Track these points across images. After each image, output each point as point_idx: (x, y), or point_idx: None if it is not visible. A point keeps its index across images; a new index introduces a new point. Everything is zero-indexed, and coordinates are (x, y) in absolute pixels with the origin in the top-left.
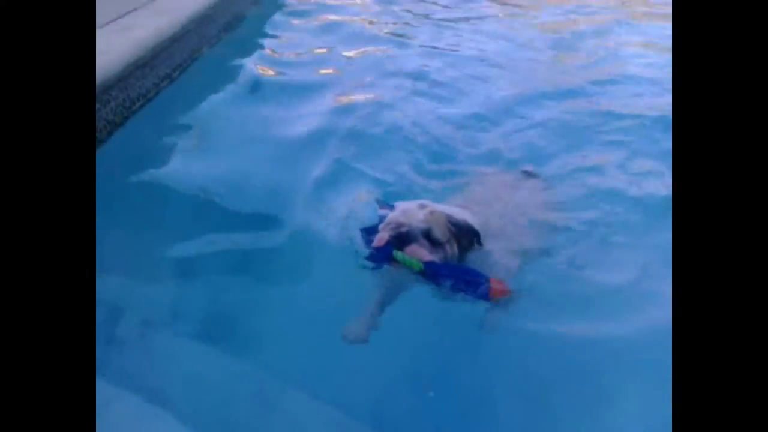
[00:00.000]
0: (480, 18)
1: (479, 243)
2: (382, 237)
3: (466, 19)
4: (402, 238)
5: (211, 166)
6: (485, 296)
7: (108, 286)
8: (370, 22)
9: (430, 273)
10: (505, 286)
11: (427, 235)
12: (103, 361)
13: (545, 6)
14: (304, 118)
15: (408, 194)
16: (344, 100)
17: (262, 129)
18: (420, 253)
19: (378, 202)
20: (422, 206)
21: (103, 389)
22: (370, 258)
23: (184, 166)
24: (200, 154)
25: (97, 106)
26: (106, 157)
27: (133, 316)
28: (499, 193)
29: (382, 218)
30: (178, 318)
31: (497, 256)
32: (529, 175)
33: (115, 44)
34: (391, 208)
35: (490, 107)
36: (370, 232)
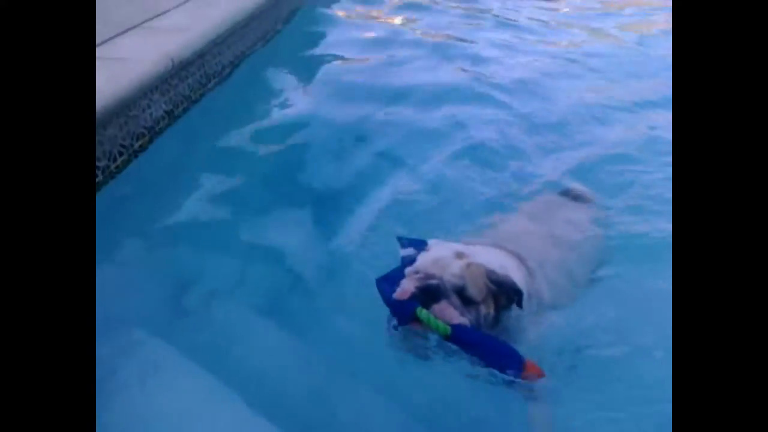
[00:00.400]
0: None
1: (519, 305)
2: (406, 289)
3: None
4: (430, 293)
5: (283, 141)
6: (516, 376)
7: (177, 257)
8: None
9: (458, 339)
10: (541, 370)
11: (461, 292)
12: (170, 333)
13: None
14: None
15: (438, 225)
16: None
17: (330, 108)
18: (449, 313)
19: (401, 241)
20: (459, 255)
21: (171, 362)
22: (391, 312)
23: (255, 142)
24: (272, 130)
25: (175, 82)
26: (180, 132)
27: (201, 288)
28: (549, 227)
29: (405, 261)
30: (245, 290)
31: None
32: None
33: (197, 21)
34: (419, 247)
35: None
36: (391, 281)
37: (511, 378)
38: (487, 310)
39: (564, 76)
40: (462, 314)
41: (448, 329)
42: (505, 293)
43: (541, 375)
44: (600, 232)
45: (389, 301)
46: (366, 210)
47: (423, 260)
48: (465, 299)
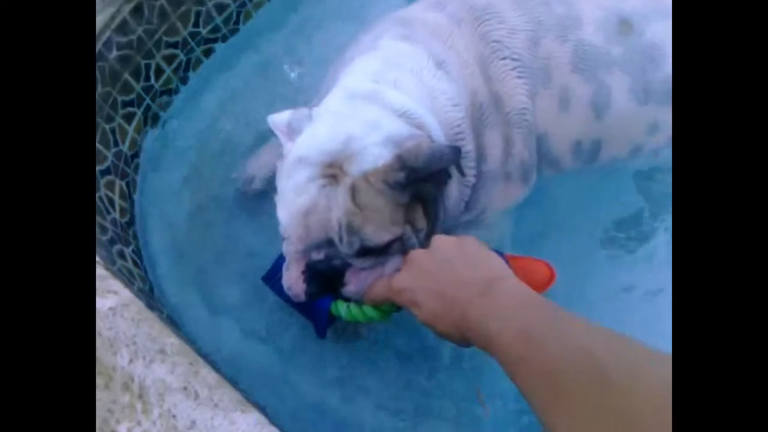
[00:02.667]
0: None
1: (461, 172)
2: (294, 287)
3: None
4: (326, 275)
5: None
6: None
7: None
8: None
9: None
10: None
11: (364, 249)
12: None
13: None
14: None
15: None
16: None
17: None
18: (370, 284)
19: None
20: (333, 166)
21: None
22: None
23: None
24: None
25: None
26: None
27: None
28: None
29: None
30: None
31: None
32: None
33: None
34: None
35: None
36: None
37: None
38: (414, 228)
39: None
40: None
41: (390, 307)
42: (429, 179)
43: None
44: None
45: (294, 305)
46: None
47: (289, 209)
48: (375, 251)
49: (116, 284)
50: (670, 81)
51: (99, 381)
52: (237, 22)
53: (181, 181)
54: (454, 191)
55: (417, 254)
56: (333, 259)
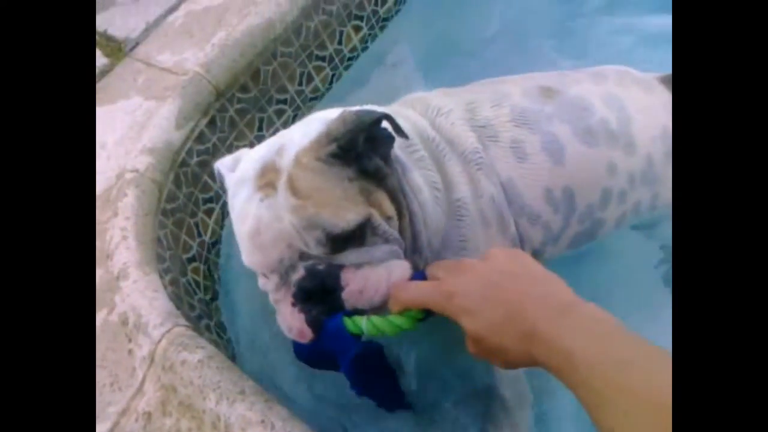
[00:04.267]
0: None
1: (399, 132)
2: (291, 324)
3: None
4: (316, 293)
5: None
6: None
7: None
8: None
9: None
10: None
11: (339, 242)
12: None
13: None
14: None
15: None
16: None
17: None
18: (366, 288)
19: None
20: (263, 175)
21: None
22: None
23: None
24: None
25: None
26: None
27: None
28: None
29: None
30: None
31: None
32: None
33: None
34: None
35: None
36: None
37: None
38: (383, 214)
39: None
40: (381, 262)
41: (418, 313)
42: (367, 150)
43: None
44: None
45: (305, 356)
46: None
47: (242, 242)
48: (350, 240)
49: (203, 341)
50: (607, 123)
51: (192, 424)
52: None
53: None
54: (427, 193)
55: (472, 261)
56: (316, 269)
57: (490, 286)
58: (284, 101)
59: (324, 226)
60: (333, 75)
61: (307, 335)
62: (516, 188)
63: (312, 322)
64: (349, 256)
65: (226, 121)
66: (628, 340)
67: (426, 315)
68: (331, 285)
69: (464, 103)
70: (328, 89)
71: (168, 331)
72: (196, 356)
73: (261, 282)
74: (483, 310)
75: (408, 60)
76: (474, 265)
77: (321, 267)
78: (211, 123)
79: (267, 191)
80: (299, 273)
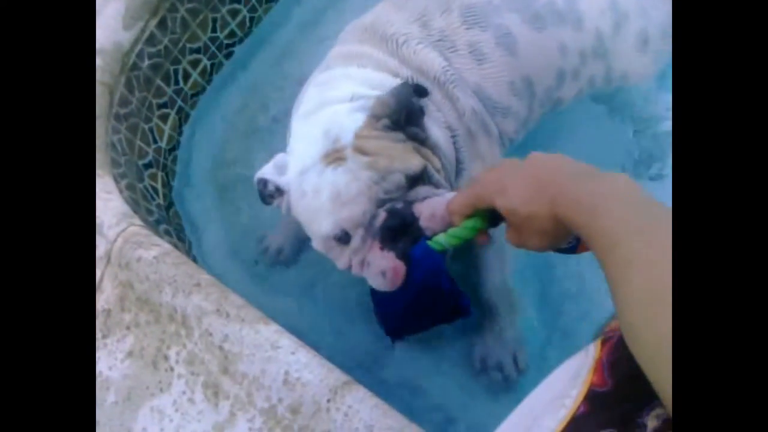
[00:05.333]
0: None
1: (423, 92)
2: (380, 263)
3: None
4: (395, 229)
5: None
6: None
7: None
8: None
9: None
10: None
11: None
12: None
13: None
14: None
15: None
16: None
17: None
18: (438, 206)
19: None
20: (326, 156)
21: None
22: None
23: None
24: None
25: None
26: None
27: None
28: None
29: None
30: None
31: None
32: None
33: None
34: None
35: None
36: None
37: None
38: (434, 166)
39: None
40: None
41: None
42: (406, 121)
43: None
44: None
45: (398, 316)
46: None
47: (327, 216)
48: (420, 179)
49: (158, 240)
50: (553, 3)
51: (150, 317)
52: (250, 26)
53: (211, 164)
54: (441, 138)
55: (510, 159)
56: (395, 208)
57: (523, 167)
58: (238, 1)
59: (400, 170)
60: None
61: (400, 270)
62: (485, 90)
63: (402, 255)
64: (418, 193)
65: (178, 22)
66: (658, 208)
67: (483, 222)
68: (410, 218)
69: (415, 19)
70: None
71: (123, 231)
72: (152, 253)
73: (337, 256)
74: (514, 187)
75: None
76: (511, 161)
77: (399, 206)
78: (162, 24)
79: (337, 163)
80: (381, 217)
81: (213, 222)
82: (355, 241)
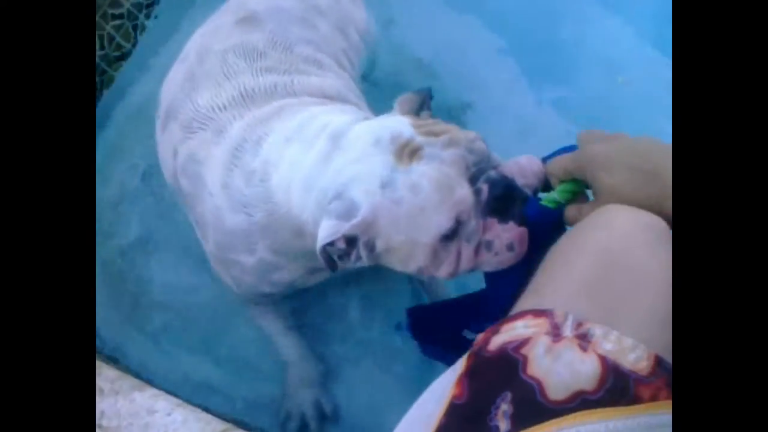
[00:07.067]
0: None
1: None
2: (509, 233)
3: None
4: (503, 197)
5: None
6: None
7: None
8: None
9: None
10: None
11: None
12: None
13: None
14: None
15: None
16: None
17: None
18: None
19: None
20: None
21: None
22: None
23: None
24: None
25: None
26: None
27: None
28: None
29: None
30: None
31: None
32: None
33: None
34: None
35: None
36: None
37: None
38: None
39: None
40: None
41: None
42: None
43: None
44: None
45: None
46: None
47: (437, 205)
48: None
49: None
50: None
51: None
52: None
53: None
54: None
55: (620, 134)
56: (491, 176)
57: (636, 150)
58: None
59: (477, 137)
60: None
61: (525, 236)
62: None
63: (519, 220)
64: (494, 156)
65: None
66: None
67: (577, 187)
68: (510, 180)
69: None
70: None
71: None
72: None
73: (442, 261)
74: (624, 168)
75: None
76: (622, 137)
77: (492, 173)
78: None
79: (416, 156)
80: (485, 189)
81: None
82: (470, 225)
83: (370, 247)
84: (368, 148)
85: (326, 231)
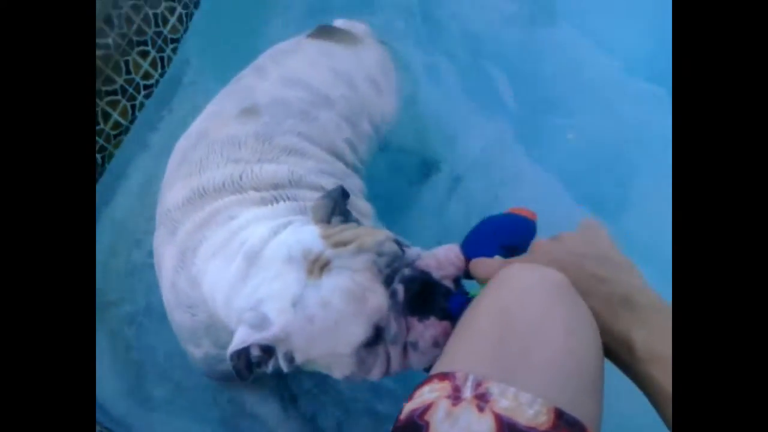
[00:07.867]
0: None
1: (346, 197)
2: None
3: None
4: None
5: None
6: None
7: None
8: None
9: None
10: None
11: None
12: None
13: None
14: None
15: None
16: None
17: None
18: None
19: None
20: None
21: None
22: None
23: None
24: None
25: None
26: None
27: None
28: None
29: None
30: None
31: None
32: None
33: None
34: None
35: None
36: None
37: None
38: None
39: None
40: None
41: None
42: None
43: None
44: None
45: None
46: None
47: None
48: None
49: None
50: None
51: None
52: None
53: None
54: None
55: (569, 234)
56: (406, 276)
57: (573, 251)
58: None
59: (387, 239)
60: None
61: (447, 329)
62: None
63: (441, 314)
64: (408, 253)
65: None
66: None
67: None
68: (425, 276)
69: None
70: None
71: None
72: None
73: (371, 366)
74: (568, 272)
75: None
76: (569, 236)
77: (406, 272)
78: (107, 21)
79: (326, 269)
80: (400, 290)
81: None
82: (392, 328)
83: (289, 359)
84: (281, 266)
85: (238, 338)
